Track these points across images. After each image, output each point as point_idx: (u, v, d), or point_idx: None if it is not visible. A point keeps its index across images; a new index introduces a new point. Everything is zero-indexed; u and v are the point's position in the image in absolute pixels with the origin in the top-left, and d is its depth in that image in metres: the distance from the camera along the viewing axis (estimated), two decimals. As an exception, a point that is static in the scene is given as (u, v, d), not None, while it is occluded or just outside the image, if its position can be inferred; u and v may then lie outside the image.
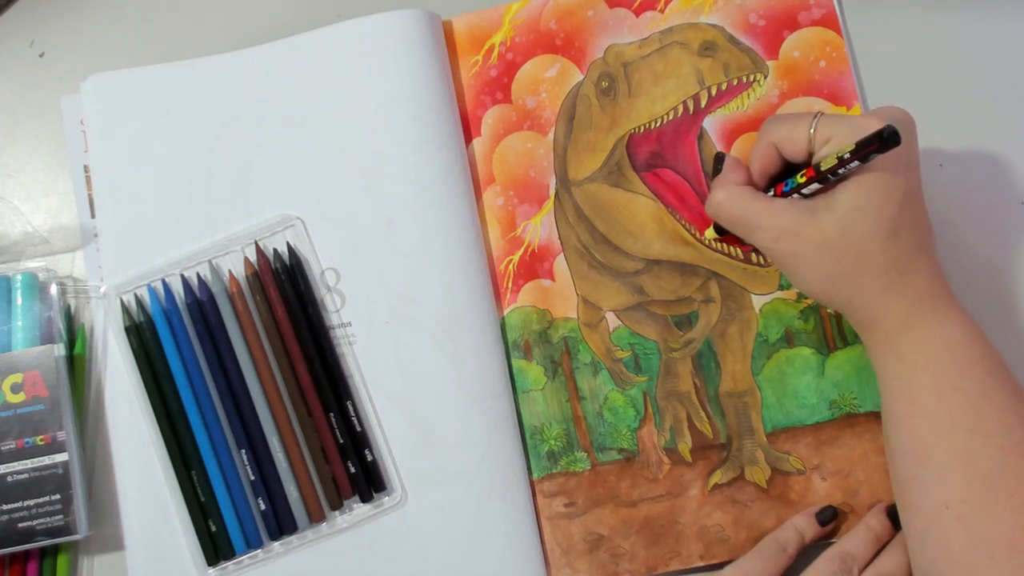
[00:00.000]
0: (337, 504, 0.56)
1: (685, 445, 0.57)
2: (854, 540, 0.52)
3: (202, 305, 0.57)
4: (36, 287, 0.59)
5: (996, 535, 0.45)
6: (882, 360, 0.50)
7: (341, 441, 0.56)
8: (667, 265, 0.58)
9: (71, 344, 0.58)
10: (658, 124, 0.59)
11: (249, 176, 0.59)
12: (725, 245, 0.58)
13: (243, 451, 0.56)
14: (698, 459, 0.56)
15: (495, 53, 0.61)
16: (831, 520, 0.54)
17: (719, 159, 0.54)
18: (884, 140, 0.45)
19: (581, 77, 0.60)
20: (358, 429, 0.56)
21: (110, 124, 0.60)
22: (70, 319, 0.59)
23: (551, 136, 0.60)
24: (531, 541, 0.56)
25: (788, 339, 0.57)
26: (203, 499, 0.56)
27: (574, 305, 0.59)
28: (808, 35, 0.59)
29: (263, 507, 0.56)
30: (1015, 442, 0.46)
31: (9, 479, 0.55)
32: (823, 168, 0.48)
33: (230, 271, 0.58)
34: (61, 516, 0.55)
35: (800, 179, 0.49)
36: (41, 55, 0.64)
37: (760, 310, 0.57)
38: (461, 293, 0.58)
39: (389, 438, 0.57)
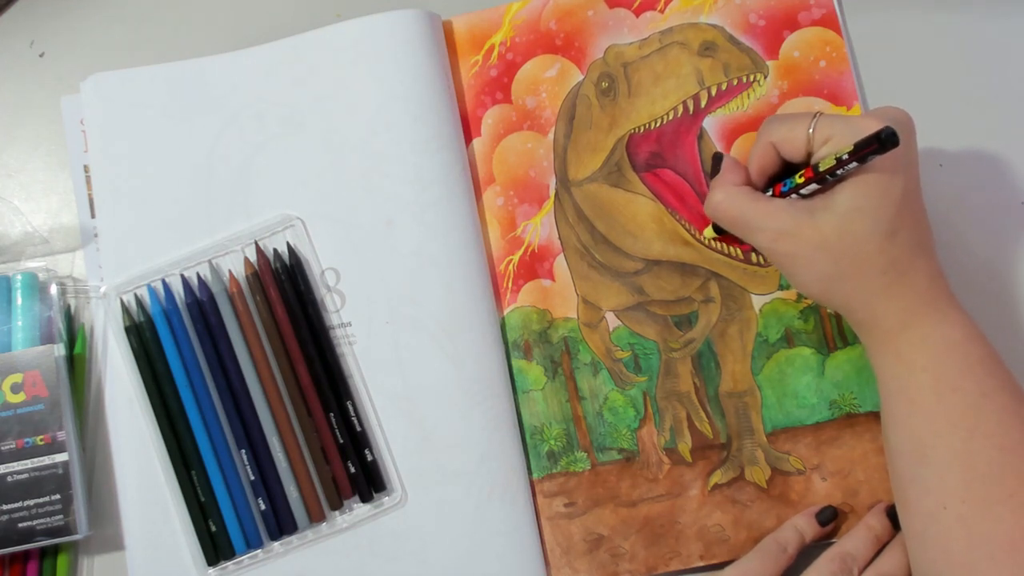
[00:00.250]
0: (337, 504, 0.56)
1: (685, 445, 0.57)
2: (854, 540, 0.52)
3: (202, 305, 0.57)
4: (36, 287, 0.59)
5: (995, 535, 0.45)
6: (881, 360, 0.50)
7: (341, 441, 0.56)
8: (667, 265, 0.58)
9: (71, 344, 0.58)
10: (658, 124, 0.59)
11: (249, 176, 0.59)
12: (724, 245, 0.58)
13: (243, 451, 0.56)
14: (698, 459, 0.56)
15: (495, 53, 0.61)
16: (831, 520, 0.54)
17: (717, 159, 0.54)
18: (882, 141, 0.45)
19: (581, 77, 0.60)
20: (358, 429, 0.56)
21: (110, 124, 0.60)
22: (70, 319, 0.59)
23: (551, 136, 0.60)
24: (531, 541, 0.56)
25: (788, 339, 0.57)
26: (203, 499, 0.56)
27: (574, 305, 0.59)
28: (808, 35, 0.59)
29: (263, 507, 0.56)
30: (1014, 442, 0.46)
31: (9, 479, 0.55)
32: (821, 169, 0.48)
33: (230, 271, 0.58)
34: (61, 516, 0.55)
35: (798, 179, 0.49)
36: (41, 55, 0.64)
37: (760, 310, 0.57)
38: (461, 293, 0.58)
39: (389, 438, 0.57)
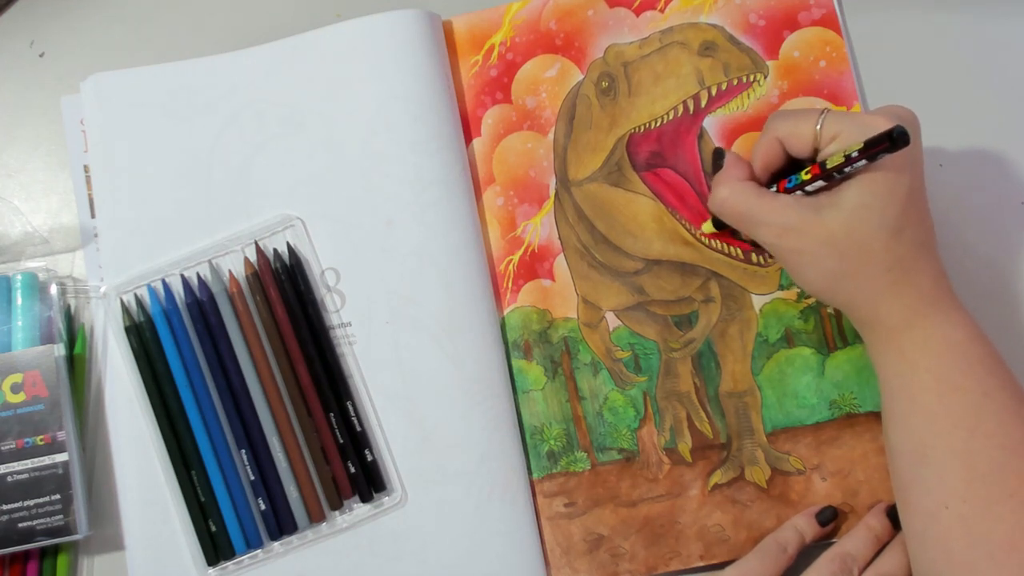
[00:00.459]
0: (337, 504, 0.56)
1: (685, 445, 0.57)
2: (854, 540, 0.52)
3: (202, 305, 0.57)
4: (36, 287, 0.59)
5: (995, 535, 0.45)
6: (883, 359, 0.50)
7: (341, 441, 0.56)
8: (667, 265, 0.58)
9: (71, 344, 0.58)
10: (658, 124, 0.59)
11: (249, 176, 0.59)
12: (725, 245, 0.58)
13: (243, 451, 0.56)
14: (698, 459, 0.56)
15: (495, 53, 0.61)
16: (831, 520, 0.54)
17: (718, 155, 0.54)
18: (894, 140, 0.45)
19: (581, 77, 0.60)
20: (358, 429, 0.56)
21: (110, 124, 0.60)
22: (70, 319, 0.59)
23: (551, 136, 0.60)
24: (531, 541, 0.56)
25: (788, 339, 0.57)
26: (203, 499, 0.56)
27: (574, 305, 0.59)
28: (808, 35, 0.59)
29: (263, 507, 0.56)
30: (1015, 442, 0.46)
31: (9, 479, 0.55)
32: (829, 166, 0.47)
33: (230, 271, 0.58)
34: (61, 516, 0.55)
35: (805, 176, 0.49)
36: (41, 55, 0.64)
37: (760, 310, 0.57)
38: (461, 293, 0.58)
39: (389, 438, 0.57)
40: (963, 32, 0.60)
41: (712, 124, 0.59)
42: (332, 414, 0.56)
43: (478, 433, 0.56)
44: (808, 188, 0.50)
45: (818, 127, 0.49)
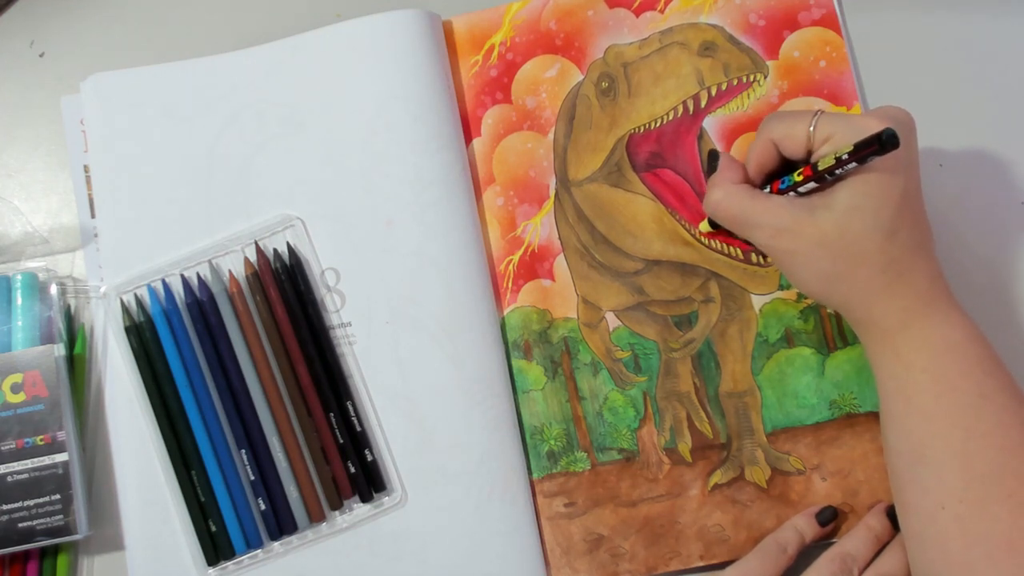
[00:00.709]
0: (337, 504, 0.56)
1: (685, 445, 0.57)
2: (854, 540, 0.52)
3: (202, 305, 0.57)
4: (36, 287, 0.59)
5: (993, 535, 0.45)
6: (880, 360, 0.50)
7: (341, 441, 0.56)
8: (667, 265, 0.58)
9: (71, 344, 0.58)
10: (658, 124, 0.59)
11: (249, 176, 0.59)
12: (725, 245, 0.58)
13: (243, 451, 0.56)
14: (698, 459, 0.56)
15: (495, 53, 0.61)
16: (831, 520, 0.54)
17: (713, 156, 0.54)
18: (883, 143, 0.45)
19: (581, 77, 0.60)
20: (358, 429, 0.56)
21: (110, 124, 0.60)
22: (70, 319, 0.59)
23: (551, 136, 0.60)
24: (531, 541, 0.56)
25: (788, 339, 0.57)
26: (203, 499, 0.56)
27: (574, 305, 0.59)
28: (808, 35, 0.59)
29: (263, 507, 0.56)
30: (1013, 443, 0.46)
31: (9, 479, 0.55)
32: (820, 168, 0.48)
33: (230, 271, 0.58)
34: (61, 516, 0.55)
35: (797, 177, 0.49)
36: (41, 55, 0.64)
37: (760, 310, 0.57)
38: (461, 293, 0.58)
39: (389, 438, 0.57)
40: (963, 32, 0.60)
41: (712, 124, 0.59)
42: (332, 414, 0.56)
43: (478, 433, 0.56)
44: (800, 190, 0.50)
45: (811, 129, 0.49)
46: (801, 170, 0.49)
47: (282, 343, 0.57)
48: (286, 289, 0.57)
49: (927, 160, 0.56)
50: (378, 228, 0.58)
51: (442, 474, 0.56)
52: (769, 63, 0.59)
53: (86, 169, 0.61)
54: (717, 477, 0.56)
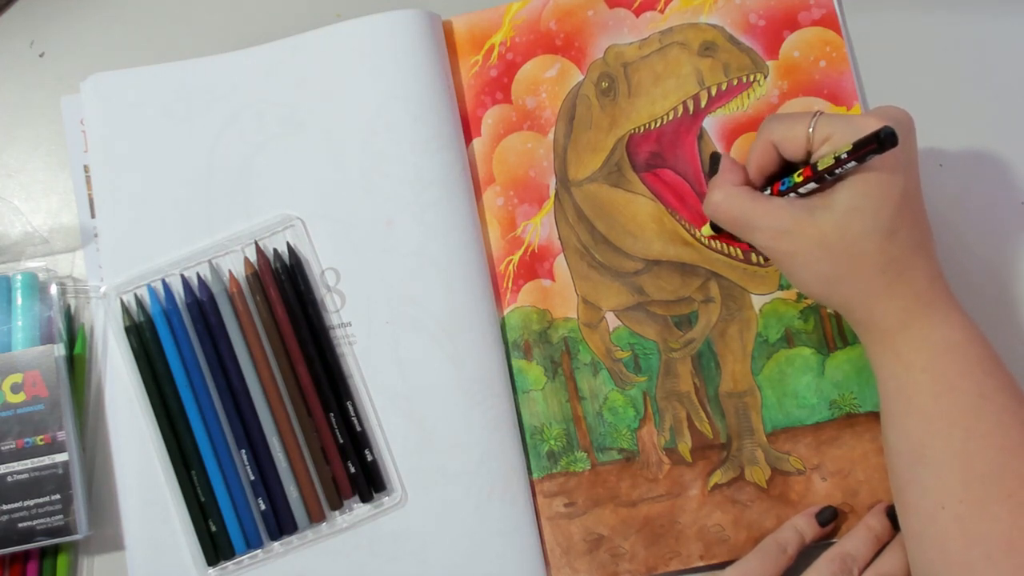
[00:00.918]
0: (337, 504, 0.56)
1: (685, 445, 0.57)
2: (854, 540, 0.52)
3: (202, 305, 0.57)
4: (36, 287, 0.59)
5: (993, 535, 0.45)
6: (880, 360, 0.50)
7: (341, 441, 0.56)
8: (667, 265, 0.58)
9: (71, 344, 0.58)
10: (658, 124, 0.59)
11: (249, 176, 0.59)
12: (725, 245, 0.58)
13: (243, 451, 0.56)
14: (698, 459, 0.56)
15: (495, 53, 0.61)
16: (831, 520, 0.54)
17: (715, 159, 0.54)
18: (881, 141, 0.45)
19: (581, 77, 0.60)
20: (358, 429, 0.56)
21: (110, 124, 0.60)
22: (70, 319, 0.59)
23: (551, 136, 0.60)
24: (531, 541, 0.56)
25: (788, 339, 0.57)
26: (203, 499, 0.56)
27: (574, 305, 0.59)
28: (808, 35, 0.59)
29: (263, 507, 0.56)
30: (1013, 443, 0.46)
31: (9, 479, 0.55)
32: (820, 168, 0.48)
33: (230, 271, 0.58)
34: (61, 516, 0.55)
35: (797, 178, 0.49)
36: (41, 55, 0.64)
37: (760, 310, 0.57)
38: (461, 293, 0.58)
39: (389, 438, 0.57)
40: (963, 32, 0.60)
41: (712, 124, 0.59)
42: (332, 414, 0.56)
43: (478, 433, 0.56)
44: (801, 190, 0.50)
45: (811, 129, 0.49)
46: (801, 171, 0.49)
47: (282, 343, 0.57)
48: (286, 289, 0.57)
49: (927, 160, 0.56)
50: (378, 228, 0.58)
51: (442, 474, 0.56)
52: (769, 63, 0.59)
53: (86, 169, 0.61)
54: (717, 477, 0.56)
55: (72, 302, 0.60)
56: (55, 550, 0.57)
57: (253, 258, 0.58)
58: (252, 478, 0.56)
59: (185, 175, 0.59)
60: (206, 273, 0.58)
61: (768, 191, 0.52)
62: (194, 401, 0.56)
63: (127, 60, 0.62)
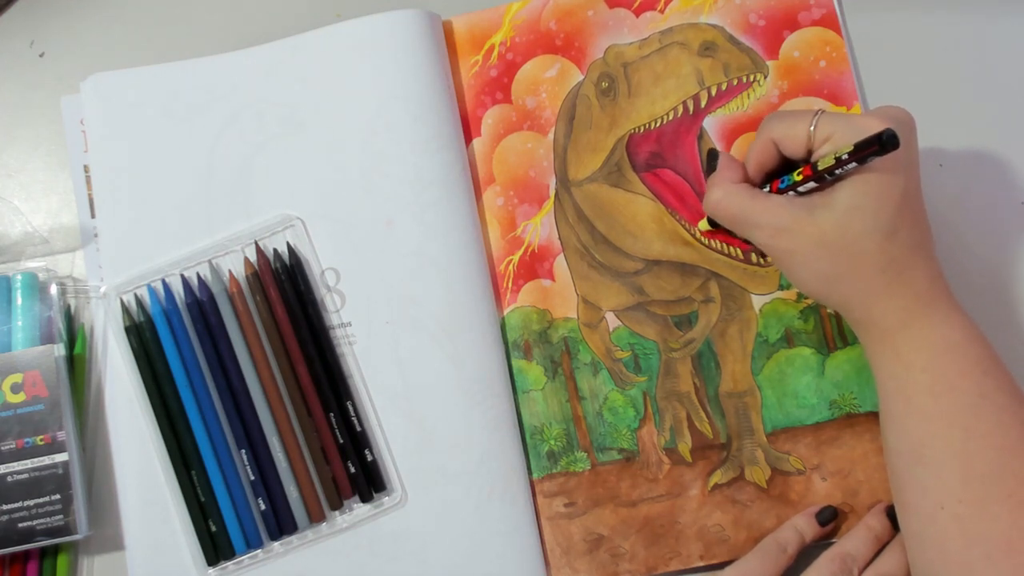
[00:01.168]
0: (337, 504, 0.56)
1: (685, 445, 0.57)
2: (854, 540, 0.52)
3: (202, 305, 0.57)
4: (36, 287, 0.59)
5: (992, 535, 0.45)
6: (879, 360, 0.50)
7: (341, 441, 0.56)
8: (667, 265, 0.58)
9: (71, 344, 0.58)
10: (658, 124, 0.59)
11: (249, 176, 0.59)
12: (725, 244, 0.58)
13: (243, 451, 0.56)
14: (698, 459, 0.56)
15: (495, 53, 0.61)
16: (831, 520, 0.54)
17: (712, 156, 0.54)
18: (883, 143, 0.45)
19: (581, 77, 0.60)
20: (358, 429, 0.56)
21: (110, 124, 0.60)
22: (70, 319, 0.59)
23: (551, 136, 0.60)
24: (531, 541, 0.56)
25: (788, 339, 0.57)
26: (203, 499, 0.56)
27: (574, 305, 0.59)
28: (808, 35, 0.59)
29: (263, 507, 0.56)
30: (1013, 443, 0.46)
31: (9, 479, 0.55)
32: (820, 168, 0.48)
33: (230, 271, 0.58)
34: (61, 516, 0.55)
35: (797, 177, 0.49)
36: (41, 55, 0.64)
37: (760, 310, 0.57)
38: (461, 293, 0.58)
39: (389, 438, 0.57)
40: (963, 32, 0.60)
41: (712, 124, 0.59)
42: (332, 414, 0.56)
43: (478, 433, 0.56)
44: (800, 189, 0.50)
45: (812, 128, 0.49)
46: (801, 170, 0.49)
47: (282, 343, 0.57)
48: (286, 289, 0.57)
49: (927, 160, 0.56)
50: (378, 228, 0.58)
51: (442, 474, 0.56)
52: (769, 63, 0.59)
53: (86, 169, 0.61)
54: (717, 477, 0.56)
55: (72, 302, 0.60)
56: (55, 550, 0.57)
57: (253, 258, 0.58)
58: (252, 478, 0.56)
59: (185, 175, 0.59)
60: (206, 273, 0.58)
61: (767, 189, 0.52)
62: (194, 401, 0.56)
63: (127, 60, 0.62)
